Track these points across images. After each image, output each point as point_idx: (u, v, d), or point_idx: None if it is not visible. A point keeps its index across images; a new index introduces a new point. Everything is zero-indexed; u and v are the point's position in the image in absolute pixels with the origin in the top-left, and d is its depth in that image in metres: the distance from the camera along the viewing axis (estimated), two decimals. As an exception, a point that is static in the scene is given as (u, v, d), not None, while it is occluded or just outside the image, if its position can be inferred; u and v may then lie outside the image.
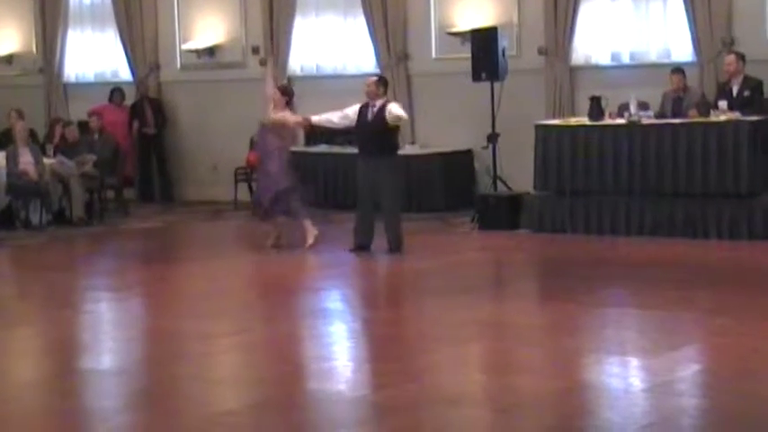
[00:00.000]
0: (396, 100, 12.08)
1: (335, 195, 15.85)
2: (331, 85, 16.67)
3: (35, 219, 14.88)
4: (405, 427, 6.52)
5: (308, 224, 12.40)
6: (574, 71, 14.80)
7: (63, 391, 7.50)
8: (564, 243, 12.74)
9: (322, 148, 16.34)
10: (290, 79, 16.27)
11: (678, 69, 13.49)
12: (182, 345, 8.72)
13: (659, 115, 13.14)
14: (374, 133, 11.93)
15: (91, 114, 16.62)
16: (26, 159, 14.96)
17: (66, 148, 15.73)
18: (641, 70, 14.42)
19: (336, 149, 16.13)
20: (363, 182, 12.05)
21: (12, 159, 14.94)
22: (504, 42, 13.92)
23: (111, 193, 16.23)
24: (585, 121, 13.30)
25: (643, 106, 13.23)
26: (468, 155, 15.43)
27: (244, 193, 16.54)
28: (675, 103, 13.27)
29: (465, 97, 14.99)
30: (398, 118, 11.93)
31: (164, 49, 18.02)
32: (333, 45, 16.59)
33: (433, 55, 15.84)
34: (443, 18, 15.69)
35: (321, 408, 6.96)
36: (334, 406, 6.96)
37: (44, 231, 14.62)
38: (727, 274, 10.74)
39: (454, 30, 15.47)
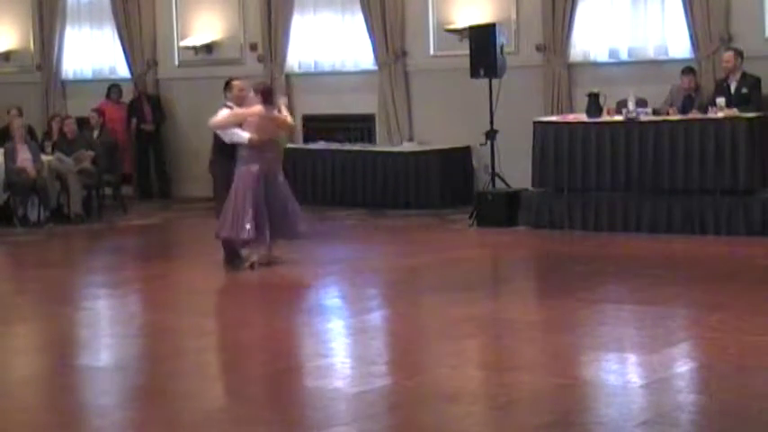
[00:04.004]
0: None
1: (333, 192, 15.86)
2: (329, 82, 16.68)
3: (33, 216, 14.90)
4: (402, 423, 6.53)
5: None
6: (572, 68, 14.80)
7: (61, 388, 7.51)
8: (562, 240, 12.75)
9: (320, 145, 16.35)
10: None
11: (689, 69, 13.51)
12: (179, 341, 8.72)
13: (665, 105, 13.16)
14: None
15: (93, 111, 16.62)
16: (24, 156, 14.97)
17: (64, 145, 15.72)
18: (639, 67, 14.42)
19: (335, 146, 16.15)
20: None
21: (10, 156, 14.95)
22: (502, 39, 13.90)
23: (109, 190, 16.23)
24: (584, 117, 13.30)
25: (641, 103, 13.24)
26: (466, 152, 15.43)
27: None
28: (686, 101, 13.28)
29: (463, 94, 14.98)
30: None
31: (161, 45, 18.02)
32: (331, 42, 16.59)
33: (431, 52, 15.84)
34: (441, 15, 15.68)
35: (318, 404, 6.95)
36: (332, 402, 6.96)
37: (42, 228, 14.63)
38: (724, 270, 10.74)
39: (452, 26, 15.47)
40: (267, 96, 11.45)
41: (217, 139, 11.54)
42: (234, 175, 11.25)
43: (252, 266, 11.25)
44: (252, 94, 11.42)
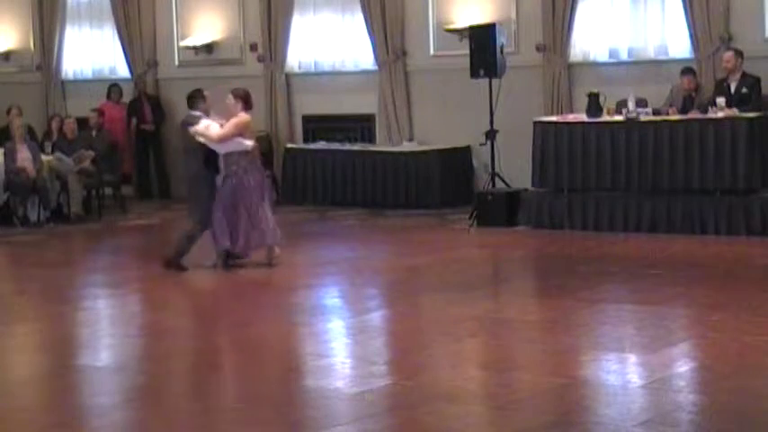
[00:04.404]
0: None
1: (333, 192, 15.85)
2: (329, 82, 16.68)
3: (33, 216, 14.90)
4: (402, 423, 6.53)
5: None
6: (572, 68, 14.80)
7: (61, 388, 7.51)
8: (562, 240, 12.74)
9: (320, 145, 16.35)
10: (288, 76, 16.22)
11: (689, 70, 13.49)
12: (179, 341, 8.73)
13: (666, 105, 13.18)
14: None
15: (93, 111, 16.63)
16: (24, 156, 14.96)
17: (64, 145, 15.73)
18: (639, 67, 14.42)
19: (335, 146, 16.15)
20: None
21: (9, 156, 14.95)
22: (502, 39, 13.91)
23: (109, 190, 16.23)
24: (584, 117, 13.30)
25: (641, 103, 13.24)
26: (466, 151, 15.44)
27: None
28: (686, 102, 13.29)
29: (463, 94, 14.99)
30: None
31: (161, 45, 18.02)
32: (331, 42, 16.59)
33: (431, 51, 15.84)
34: (441, 14, 15.69)
35: (318, 404, 6.95)
36: (332, 403, 6.96)
37: (42, 228, 14.63)
38: (724, 270, 10.73)
39: (452, 26, 15.47)
40: (247, 101, 11.46)
41: (201, 152, 11.25)
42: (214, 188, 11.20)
43: (215, 266, 11.30)
44: (232, 100, 11.40)
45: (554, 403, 6.77)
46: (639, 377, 7.30)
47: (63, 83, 18.94)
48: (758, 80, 12.95)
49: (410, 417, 6.58)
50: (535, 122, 13.56)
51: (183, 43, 17.78)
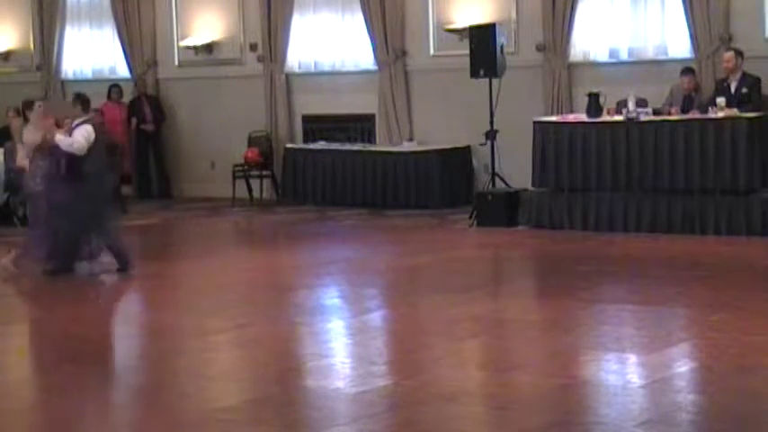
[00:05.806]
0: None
1: (333, 192, 15.85)
2: (329, 82, 16.69)
3: (33, 216, 14.87)
4: (402, 423, 6.52)
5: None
6: (572, 67, 14.80)
7: (61, 388, 7.50)
8: (562, 240, 12.74)
9: (320, 145, 16.36)
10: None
11: (689, 69, 13.50)
12: (179, 341, 8.72)
13: (666, 105, 13.18)
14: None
15: (92, 111, 16.61)
16: (22, 154, 14.93)
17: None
18: (639, 67, 14.43)
19: (335, 146, 16.15)
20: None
21: (9, 156, 14.94)
22: (502, 39, 13.91)
23: (108, 190, 16.21)
24: (584, 117, 13.31)
25: (641, 103, 13.24)
26: (466, 151, 15.44)
27: (241, 190, 16.57)
28: (686, 102, 13.30)
29: (463, 94, 14.99)
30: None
31: (161, 45, 18.03)
32: (331, 42, 16.59)
33: (431, 51, 15.84)
34: (441, 14, 15.69)
35: (319, 404, 6.95)
36: (332, 402, 6.96)
37: (42, 228, 14.61)
38: (724, 270, 10.73)
39: (452, 26, 15.48)
40: None
41: None
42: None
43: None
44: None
45: (554, 403, 6.77)
46: (639, 377, 7.30)
47: (63, 83, 18.94)
48: (758, 80, 12.96)
49: (410, 417, 6.57)
50: (535, 122, 13.56)
51: (183, 43, 17.78)
